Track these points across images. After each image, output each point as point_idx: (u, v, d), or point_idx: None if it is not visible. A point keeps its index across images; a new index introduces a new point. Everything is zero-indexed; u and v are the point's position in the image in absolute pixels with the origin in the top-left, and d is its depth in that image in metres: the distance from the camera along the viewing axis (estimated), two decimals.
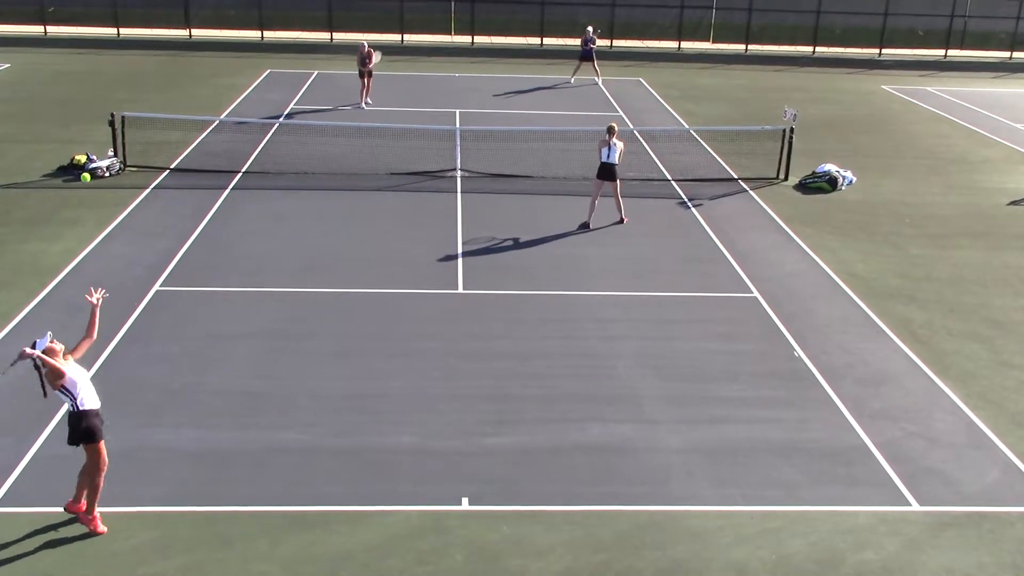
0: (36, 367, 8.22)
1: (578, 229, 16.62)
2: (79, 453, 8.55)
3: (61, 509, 8.76)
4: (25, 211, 16.73)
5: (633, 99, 28.41)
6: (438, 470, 9.70)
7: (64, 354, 8.34)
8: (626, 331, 12.91)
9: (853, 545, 8.81)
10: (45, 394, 8.32)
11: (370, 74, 25.69)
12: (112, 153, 19.38)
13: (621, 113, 26.20)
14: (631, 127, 23.80)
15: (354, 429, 10.36)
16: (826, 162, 20.74)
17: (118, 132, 19.36)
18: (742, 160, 21.43)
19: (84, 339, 8.64)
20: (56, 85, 27.53)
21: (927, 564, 8.61)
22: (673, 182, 19.82)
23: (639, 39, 37.79)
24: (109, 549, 8.38)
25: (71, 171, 18.97)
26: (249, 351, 11.97)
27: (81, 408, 8.29)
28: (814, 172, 20.15)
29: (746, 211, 18.20)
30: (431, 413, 10.71)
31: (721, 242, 16.36)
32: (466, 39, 36.97)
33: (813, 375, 11.92)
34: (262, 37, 36.02)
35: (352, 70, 27.95)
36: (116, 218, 16.51)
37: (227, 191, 18.14)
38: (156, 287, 13.72)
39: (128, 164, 19.42)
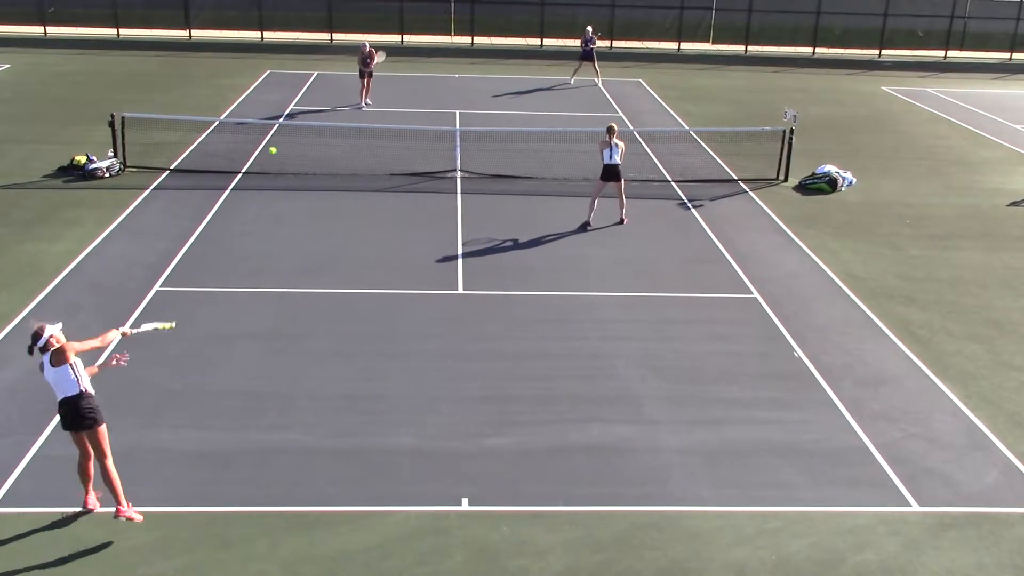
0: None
1: (578, 229, 16.63)
2: (78, 454, 8.59)
3: (61, 509, 8.78)
4: (25, 211, 16.74)
5: (633, 100, 28.42)
6: (438, 470, 9.70)
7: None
8: (626, 332, 12.91)
9: (853, 546, 8.82)
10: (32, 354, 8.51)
11: (371, 75, 25.70)
12: (112, 154, 19.38)
13: (621, 114, 26.21)
14: (631, 128, 23.82)
15: (354, 429, 10.36)
16: (826, 163, 20.74)
17: (118, 133, 19.36)
18: (742, 161, 21.43)
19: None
20: (56, 86, 27.54)
21: (927, 565, 8.61)
22: (673, 183, 19.82)
23: (639, 40, 37.80)
24: (109, 549, 8.38)
25: (71, 171, 18.98)
26: (249, 351, 11.97)
27: (85, 390, 8.41)
28: (814, 173, 20.15)
29: (746, 212, 18.21)
30: (431, 413, 10.71)
31: (721, 243, 16.37)
32: (466, 40, 36.99)
33: (813, 376, 11.92)
34: (262, 38, 36.03)
35: (352, 70, 27.94)
36: (116, 219, 16.51)
37: (227, 192, 18.14)
38: (156, 287, 13.72)
39: (128, 165, 19.42)
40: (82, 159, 19.12)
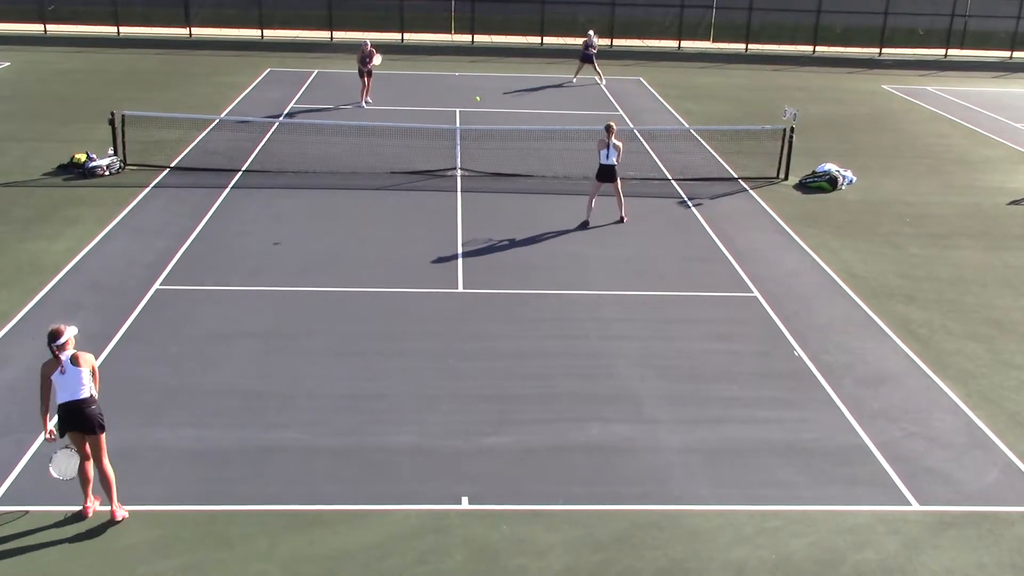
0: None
1: (578, 228, 16.62)
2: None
3: (61, 508, 8.78)
4: (25, 210, 16.73)
5: (633, 98, 28.40)
6: (438, 469, 9.69)
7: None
8: (626, 331, 12.91)
9: (853, 545, 8.81)
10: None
11: (370, 73, 25.67)
12: (112, 152, 19.37)
13: (621, 112, 26.20)
14: (631, 126, 23.81)
15: (354, 428, 10.36)
16: (826, 162, 20.74)
17: (118, 131, 19.36)
18: (742, 159, 21.42)
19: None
20: (56, 84, 27.52)
21: (927, 564, 8.61)
22: (673, 181, 19.81)
23: (639, 38, 37.78)
24: (109, 549, 8.38)
25: (71, 170, 18.97)
26: (249, 350, 11.97)
27: (94, 395, 8.58)
28: (814, 172, 20.14)
29: (746, 211, 18.20)
30: (431, 413, 10.71)
31: (721, 242, 16.36)
32: (466, 38, 36.96)
33: (813, 375, 11.92)
34: (262, 36, 36.02)
35: (352, 68, 27.93)
36: (116, 217, 16.50)
37: (227, 190, 18.13)
38: (156, 286, 13.71)
39: (128, 163, 19.41)
40: (82, 157, 19.11)
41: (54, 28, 35.52)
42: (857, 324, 13.41)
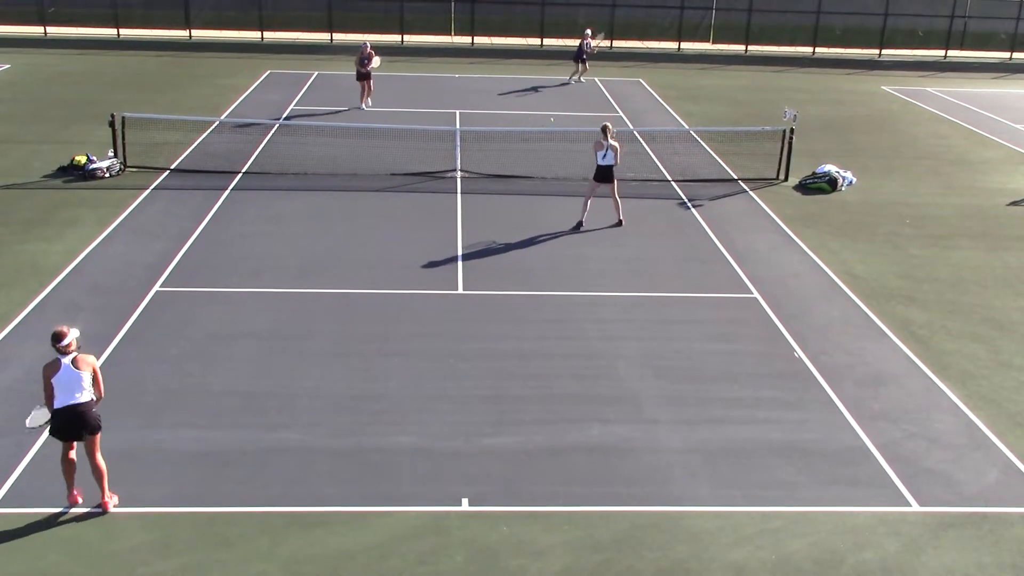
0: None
1: (571, 230, 16.59)
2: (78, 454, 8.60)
3: (61, 509, 8.80)
4: (25, 211, 16.74)
5: (633, 100, 28.42)
6: (438, 470, 9.70)
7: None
8: (626, 331, 12.91)
9: (853, 545, 8.81)
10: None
11: (369, 76, 25.52)
12: (112, 154, 19.38)
13: (621, 113, 26.21)
14: (631, 127, 23.82)
15: (354, 429, 10.36)
16: (826, 163, 20.74)
17: (118, 133, 19.37)
18: (742, 161, 21.43)
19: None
20: (56, 86, 27.54)
21: (927, 564, 8.61)
22: (673, 183, 19.82)
23: (639, 39, 37.80)
24: (109, 549, 8.39)
25: (71, 171, 18.98)
26: (249, 351, 11.97)
27: (93, 399, 8.64)
28: (814, 173, 20.15)
29: (746, 212, 18.20)
30: (431, 413, 10.71)
31: (721, 242, 16.37)
32: (466, 39, 36.98)
33: (813, 376, 11.92)
34: (262, 38, 36.03)
35: (352, 70, 27.90)
36: (116, 218, 16.51)
37: (227, 192, 18.14)
38: (156, 287, 13.72)
39: (128, 165, 19.42)
40: (82, 159, 19.12)
41: (54, 30, 35.54)
42: (857, 325, 13.41)
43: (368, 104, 25.83)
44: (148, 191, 18.09)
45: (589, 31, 30.18)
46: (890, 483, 9.79)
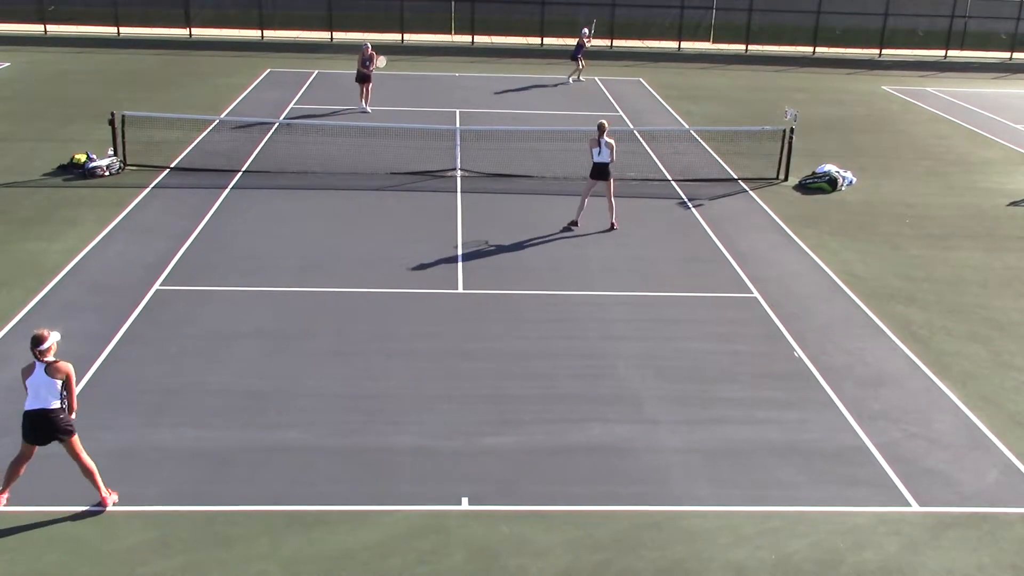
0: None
1: (564, 229, 16.53)
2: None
3: (61, 509, 8.79)
4: (25, 210, 16.73)
5: (633, 99, 28.41)
6: (438, 470, 9.70)
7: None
8: (626, 331, 12.91)
9: (853, 545, 8.82)
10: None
11: (370, 78, 25.10)
12: (112, 152, 19.37)
13: (621, 113, 26.21)
14: (631, 127, 23.82)
15: (354, 429, 10.36)
16: (826, 162, 20.75)
17: (118, 131, 19.36)
18: (742, 160, 21.43)
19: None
20: (56, 84, 27.53)
21: (927, 564, 8.61)
22: (673, 182, 19.82)
23: (639, 39, 37.82)
24: (109, 549, 8.38)
25: (71, 170, 18.98)
26: (249, 350, 11.97)
27: (62, 407, 8.57)
28: (814, 172, 20.15)
29: (746, 211, 18.21)
30: (431, 413, 10.71)
31: (721, 242, 16.37)
32: (466, 39, 36.99)
33: (813, 376, 11.92)
34: (262, 36, 36.04)
35: (352, 69, 27.88)
36: (116, 217, 16.50)
37: (227, 190, 18.14)
38: (156, 286, 13.71)
39: (128, 163, 19.42)
40: (82, 157, 19.11)
41: (54, 29, 35.54)
42: (857, 325, 13.42)
43: (368, 110, 25.58)
44: (148, 190, 18.08)
45: (586, 29, 30.18)
46: (890, 483, 9.79)
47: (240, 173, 19.26)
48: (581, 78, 30.43)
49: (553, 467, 9.82)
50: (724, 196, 19.08)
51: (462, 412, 10.75)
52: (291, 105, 25.73)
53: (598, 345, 12.48)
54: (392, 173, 19.62)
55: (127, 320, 12.64)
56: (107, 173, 18.88)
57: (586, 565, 8.43)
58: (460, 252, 15.44)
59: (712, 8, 38.12)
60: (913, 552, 8.77)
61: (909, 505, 9.45)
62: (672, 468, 9.89)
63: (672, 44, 37.53)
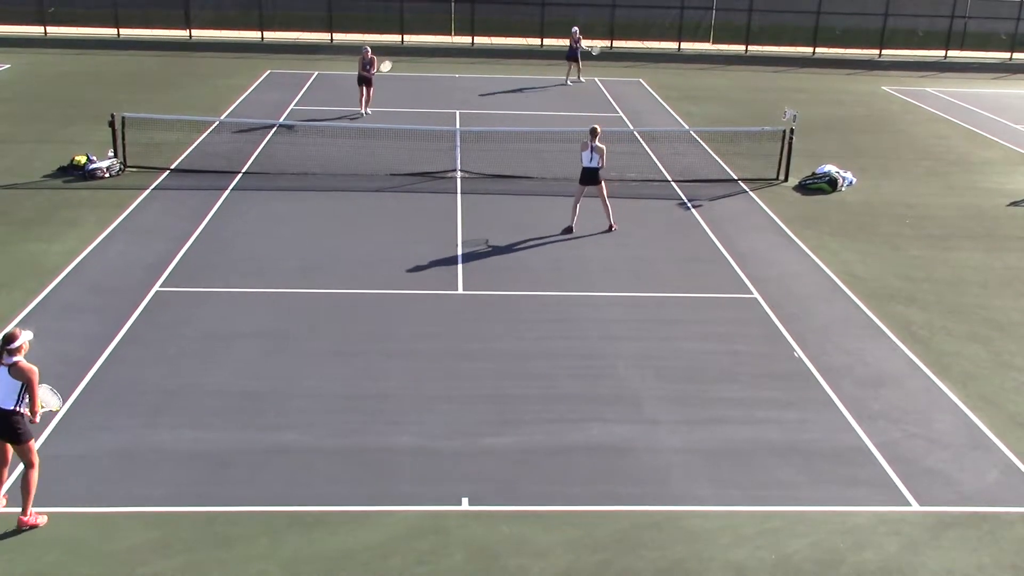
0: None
1: (560, 234, 16.49)
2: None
3: (61, 509, 8.78)
4: (25, 211, 16.74)
5: (633, 100, 28.42)
6: (438, 470, 9.70)
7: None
8: (626, 331, 12.91)
9: (853, 545, 8.81)
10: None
11: (370, 82, 24.88)
12: (112, 154, 19.38)
13: (621, 114, 26.22)
14: (631, 128, 23.82)
15: (354, 429, 10.36)
16: (826, 163, 20.74)
17: (118, 133, 19.36)
18: (742, 161, 21.43)
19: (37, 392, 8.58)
20: (56, 86, 27.54)
21: (927, 564, 8.61)
22: (673, 183, 19.82)
23: (639, 40, 37.81)
24: (109, 549, 8.38)
25: (71, 171, 18.98)
26: (248, 351, 11.97)
27: (19, 409, 8.41)
28: (814, 173, 20.15)
29: (746, 212, 18.21)
30: (431, 413, 10.71)
31: (721, 243, 16.37)
32: (466, 39, 36.99)
33: (813, 376, 11.92)
34: (262, 38, 36.04)
35: (352, 71, 27.88)
36: (116, 218, 16.51)
37: (227, 192, 18.14)
38: (156, 288, 13.71)
39: (128, 165, 19.42)
40: (82, 159, 19.12)
41: (54, 30, 35.54)
42: (857, 325, 13.41)
43: (368, 113, 25.48)
44: (148, 191, 18.08)
45: (576, 28, 30.16)
46: (890, 483, 9.79)
47: (240, 174, 19.26)
48: (581, 79, 30.43)
49: (553, 467, 9.82)
50: (724, 197, 19.09)
51: (462, 412, 10.75)
52: (291, 106, 25.73)
53: (598, 345, 12.48)
54: (392, 174, 19.62)
55: (127, 321, 12.64)
56: (107, 175, 18.88)
57: (586, 565, 8.43)
58: (460, 253, 15.44)
59: (712, 9, 38.12)
60: (913, 552, 8.76)
61: (909, 505, 9.45)
62: (672, 468, 9.89)
63: (672, 45, 37.54)
